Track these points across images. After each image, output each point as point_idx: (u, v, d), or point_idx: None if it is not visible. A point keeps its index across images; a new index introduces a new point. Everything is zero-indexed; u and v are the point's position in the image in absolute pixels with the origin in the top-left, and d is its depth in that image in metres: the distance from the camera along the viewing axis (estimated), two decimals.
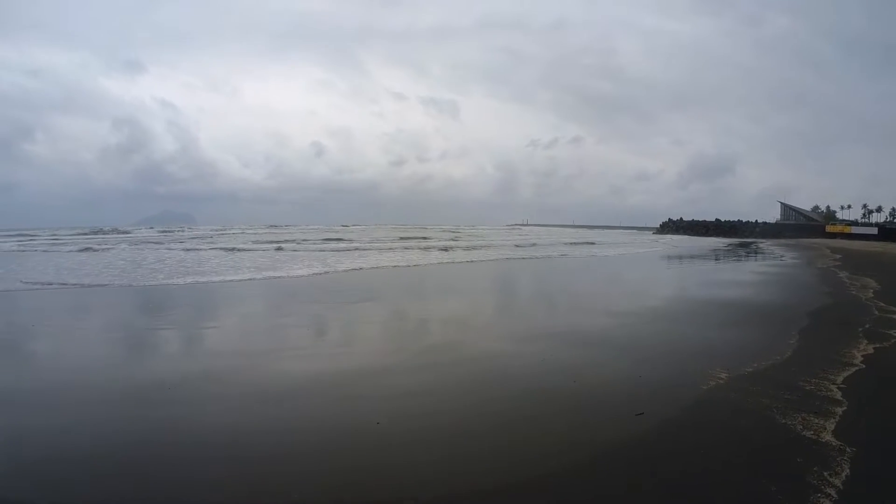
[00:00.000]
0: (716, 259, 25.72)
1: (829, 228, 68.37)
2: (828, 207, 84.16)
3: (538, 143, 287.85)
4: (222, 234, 48.89)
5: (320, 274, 15.81)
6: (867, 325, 7.85)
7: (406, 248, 27.97)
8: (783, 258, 26.23)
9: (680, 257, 26.98)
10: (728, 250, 34.21)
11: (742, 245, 43.47)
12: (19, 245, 29.93)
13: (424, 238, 42.19)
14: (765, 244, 45.71)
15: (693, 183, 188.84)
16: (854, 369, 5.55)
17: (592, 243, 38.30)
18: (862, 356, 6.06)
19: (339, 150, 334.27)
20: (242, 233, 50.92)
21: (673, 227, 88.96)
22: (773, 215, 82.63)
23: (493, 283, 15.94)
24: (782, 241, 53.81)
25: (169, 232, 52.70)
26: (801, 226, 74.66)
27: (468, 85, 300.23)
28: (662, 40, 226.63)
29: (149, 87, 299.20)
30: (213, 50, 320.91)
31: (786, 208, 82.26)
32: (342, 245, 29.84)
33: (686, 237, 66.23)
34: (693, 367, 5.70)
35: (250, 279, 14.21)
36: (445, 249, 28.02)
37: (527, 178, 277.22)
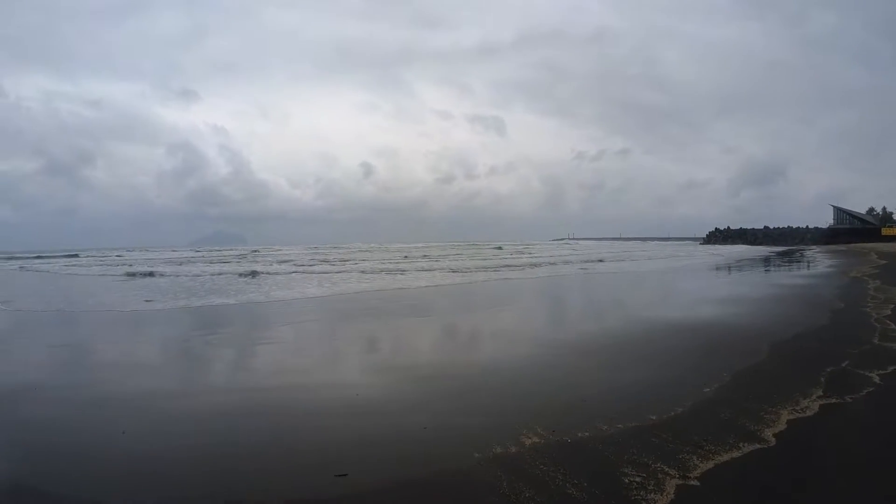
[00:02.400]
0: (738, 270, 22.33)
1: (885, 231, 63.29)
2: (884, 209, 75.63)
3: (584, 155, 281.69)
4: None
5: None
6: (846, 363, 5.41)
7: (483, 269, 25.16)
8: (817, 266, 22.60)
9: (698, 270, 23.63)
10: (764, 259, 30.27)
11: (785, 253, 38.86)
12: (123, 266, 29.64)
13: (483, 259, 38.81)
14: (811, 251, 41.05)
15: (744, 190, 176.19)
16: (751, 448, 3.36)
17: (620, 259, 34.73)
18: (787, 423, 3.79)
19: (386, 170, 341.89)
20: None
21: (720, 236, 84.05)
22: (826, 220, 75.19)
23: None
24: (833, 247, 48.26)
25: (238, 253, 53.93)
26: (854, 230, 68.21)
27: (511, 100, 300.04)
28: (705, 46, 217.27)
29: (201, 114, 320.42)
30: (261, 77, 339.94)
31: (839, 212, 74.33)
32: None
33: (730, 247, 60.82)
34: (509, 419, 3.95)
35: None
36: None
37: (574, 191, 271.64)
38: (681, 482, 2.91)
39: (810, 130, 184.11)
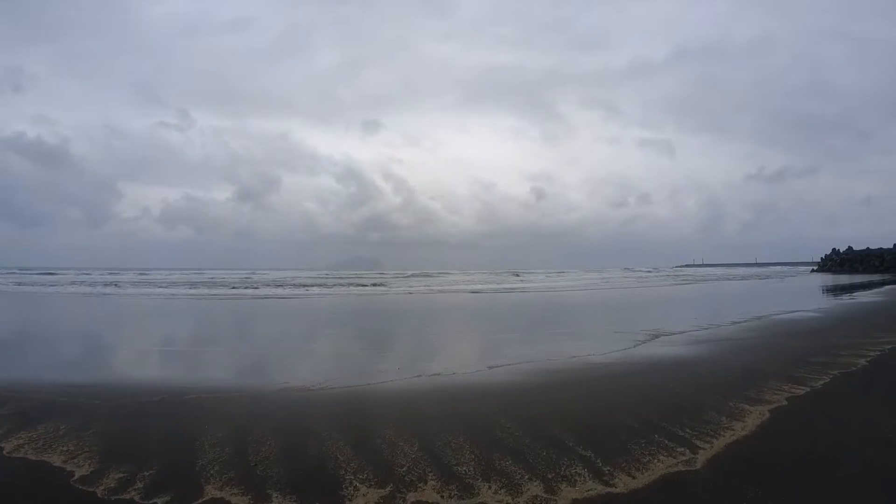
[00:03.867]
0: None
1: None
2: None
3: (738, 174, 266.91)
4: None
5: None
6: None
7: None
8: None
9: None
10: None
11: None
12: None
13: None
14: None
15: None
16: None
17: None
18: None
19: (537, 195, 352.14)
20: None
21: (837, 261, 73.72)
22: None
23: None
24: None
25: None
26: None
27: (663, 120, 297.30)
28: (874, 47, 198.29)
29: (355, 145, 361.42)
30: (411, 108, 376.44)
31: None
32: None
33: (836, 276, 55.17)
34: None
35: None
36: None
37: (736, 212, 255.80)
38: None
39: None
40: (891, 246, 68.46)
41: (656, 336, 10.91)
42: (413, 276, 57.73)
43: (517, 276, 58.10)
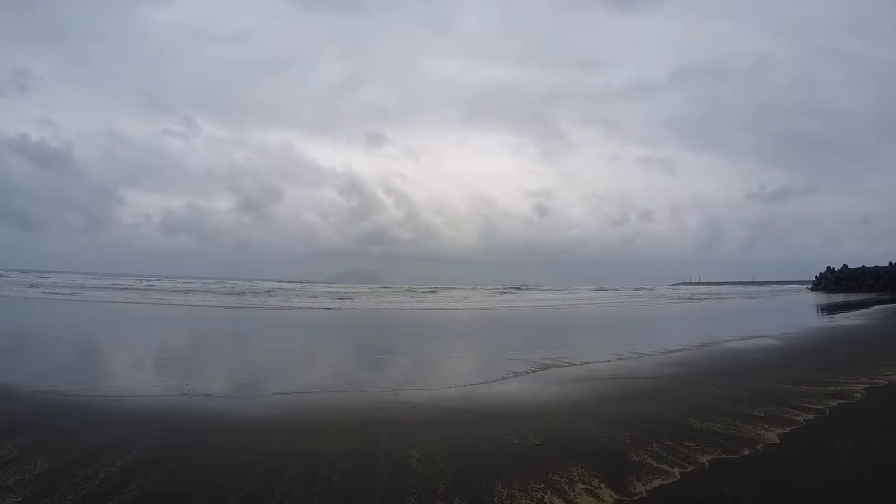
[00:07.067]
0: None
1: None
2: None
3: (738, 191, 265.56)
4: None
5: None
6: None
7: None
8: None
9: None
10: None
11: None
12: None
13: None
14: None
15: None
16: None
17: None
18: None
19: (537, 212, 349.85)
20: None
21: (832, 279, 70.80)
22: None
23: None
24: None
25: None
26: None
27: (664, 139, 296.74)
28: (872, 66, 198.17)
29: (357, 158, 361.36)
30: (413, 122, 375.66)
31: None
32: None
33: (830, 295, 52.53)
34: None
35: None
36: None
37: (736, 230, 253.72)
38: None
39: None
40: (887, 264, 65.71)
41: (548, 367, 8.46)
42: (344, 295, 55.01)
43: (513, 291, 54.95)
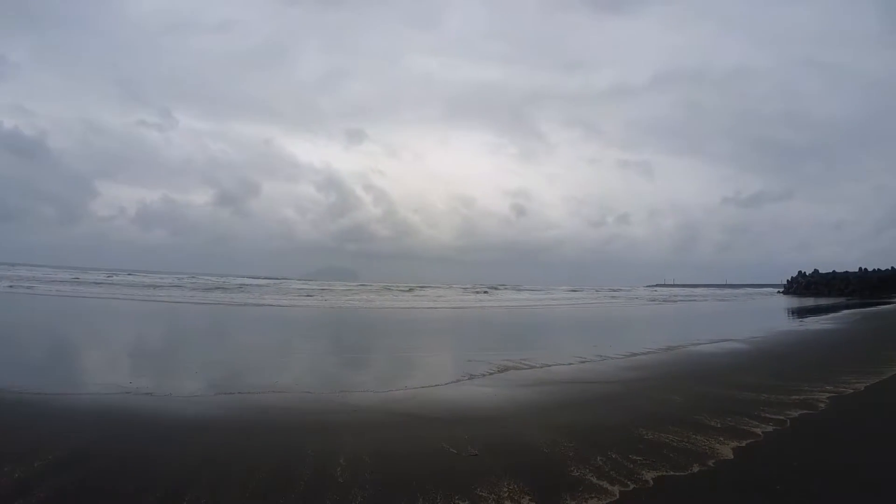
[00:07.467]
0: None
1: None
2: None
3: (715, 196, 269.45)
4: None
5: None
6: None
7: None
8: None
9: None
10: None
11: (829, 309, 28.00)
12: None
13: None
14: None
15: (891, 230, 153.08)
16: None
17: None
18: None
19: (516, 212, 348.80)
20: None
21: (803, 283, 72.26)
22: None
23: None
24: None
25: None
26: None
27: (643, 142, 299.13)
28: (848, 77, 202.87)
29: (336, 154, 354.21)
30: (393, 119, 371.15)
31: None
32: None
33: (801, 299, 53.63)
34: None
35: None
36: None
37: (711, 234, 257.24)
38: None
39: None
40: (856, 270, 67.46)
41: (507, 369, 8.08)
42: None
43: (485, 292, 54.17)
